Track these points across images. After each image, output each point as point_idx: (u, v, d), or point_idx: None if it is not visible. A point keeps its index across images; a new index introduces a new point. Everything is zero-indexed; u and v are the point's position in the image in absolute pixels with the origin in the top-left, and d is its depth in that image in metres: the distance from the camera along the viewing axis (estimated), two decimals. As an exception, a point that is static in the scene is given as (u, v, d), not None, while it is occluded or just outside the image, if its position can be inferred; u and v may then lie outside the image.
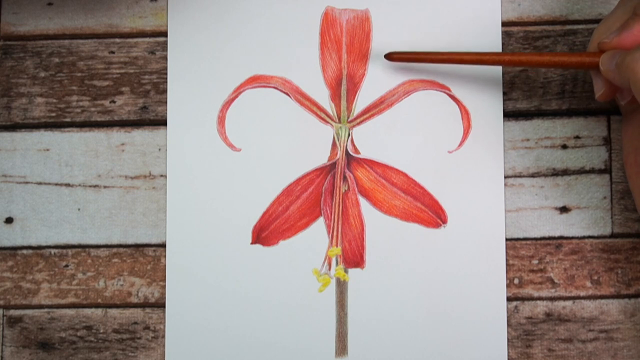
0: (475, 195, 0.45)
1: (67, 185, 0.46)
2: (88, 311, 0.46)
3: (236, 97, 0.46)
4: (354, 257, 0.45)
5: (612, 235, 0.45)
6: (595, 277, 0.45)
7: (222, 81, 0.46)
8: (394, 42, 0.46)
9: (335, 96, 0.46)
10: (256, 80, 0.46)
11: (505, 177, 0.45)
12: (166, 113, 0.46)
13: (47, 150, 0.46)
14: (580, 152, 0.45)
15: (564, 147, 0.45)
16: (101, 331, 0.45)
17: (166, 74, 0.46)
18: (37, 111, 0.47)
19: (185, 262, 0.45)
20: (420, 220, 0.45)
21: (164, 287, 0.45)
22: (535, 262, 0.45)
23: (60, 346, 0.45)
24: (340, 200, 0.45)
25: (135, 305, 0.45)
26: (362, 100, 0.46)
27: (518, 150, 0.45)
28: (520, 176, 0.45)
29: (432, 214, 0.45)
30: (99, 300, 0.46)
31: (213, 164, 0.46)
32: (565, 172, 0.45)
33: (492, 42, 0.46)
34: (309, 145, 0.46)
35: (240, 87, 0.46)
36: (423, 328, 0.45)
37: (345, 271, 0.45)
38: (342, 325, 0.45)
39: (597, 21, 0.46)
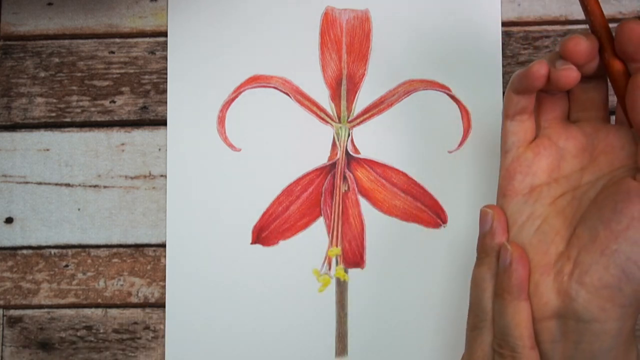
0: (475, 195, 0.45)
1: (67, 185, 0.46)
2: (88, 311, 0.46)
3: (236, 97, 0.46)
4: (354, 257, 0.45)
5: (612, 235, 0.45)
6: (595, 277, 0.44)
7: (222, 81, 0.46)
8: (394, 42, 0.46)
9: (335, 96, 0.46)
10: (256, 80, 0.46)
11: (505, 177, 0.45)
12: (166, 113, 0.46)
13: (47, 150, 0.46)
14: (580, 152, 0.45)
15: (564, 147, 0.45)
16: (101, 331, 0.45)
17: (166, 74, 0.46)
18: (37, 111, 0.47)
19: (185, 262, 0.45)
20: (420, 220, 0.45)
21: (164, 287, 0.45)
22: (535, 262, 0.45)
23: (60, 346, 0.45)
24: (340, 200, 0.45)
25: (135, 305, 0.45)
26: (362, 100, 0.46)
27: (518, 150, 0.45)
28: (520, 176, 0.45)
29: (432, 214, 0.45)
30: (99, 300, 0.46)
31: (213, 164, 0.46)
32: (565, 172, 0.45)
33: (492, 42, 0.46)
34: (309, 145, 0.46)
35: (240, 87, 0.46)
36: (423, 328, 0.45)
37: (345, 271, 0.45)
38: (342, 325, 0.45)
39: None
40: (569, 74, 0.34)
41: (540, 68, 0.34)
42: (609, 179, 0.34)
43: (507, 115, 0.37)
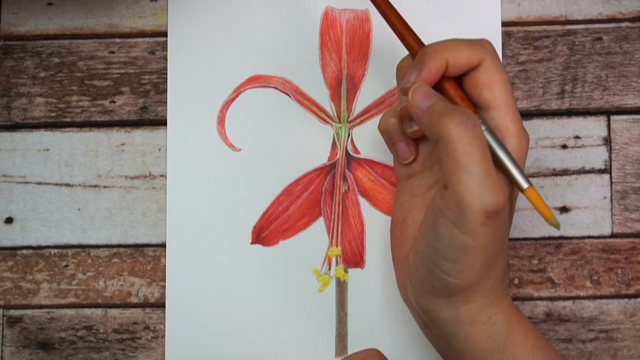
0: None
1: (67, 185, 0.46)
2: (88, 311, 0.46)
3: (236, 97, 0.46)
4: (354, 257, 0.45)
5: (612, 235, 0.45)
6: (595, 277, 0.45)
7: (222, 81, 0.46)
8: (394, 42, 0.46)
9: (335, 96, 0.46)
10: (256, 80, 0.46)
11: (505, 177, 0.45)
12: (166, 113, 0.46)
13: (47, 150, 0.46)
14: (580, 152, 0.45)
15: (564, 147, 0.45)
16: (101, 331, 0.45)
17: (166, 74, 0.46)
18: (37, 111, 0.47)
19: (185, 262, 0.45)
20: (420, 220, 0.45)
21: (164, 287, 0.45)
22: (535, 262, 0.45)
23: (60, 346, 0.45)
24: (340, 200, 0.45)
25: (135, 305, 0.45)
26: (362, 100, 0.46)
27: (518, 150, 0.45)
28: (520, 176, 0.45)
29: (432, 214, 0.45)
30: (99, 300, 0.46)
31: (213, 164, 0.46)
32: (565, 172, 0.45)
33: (492, 42, 0.45)
34: (309, 145, 0.46)
35: (240, 87, 0.46)
36: (423, 328, 0.44)
37: (345, 271, 0.45)
38: (342, 325, 0.45)
39: (597, 21, 0.46)
40: (417, 134, 0.37)
41: (402, 153, 0.38)
42: None
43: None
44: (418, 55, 0.35)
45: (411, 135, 0.37)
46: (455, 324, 0.35)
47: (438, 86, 0.36)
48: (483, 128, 0.34)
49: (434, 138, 0.33)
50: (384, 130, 0.38)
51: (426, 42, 0.47)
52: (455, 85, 0.36)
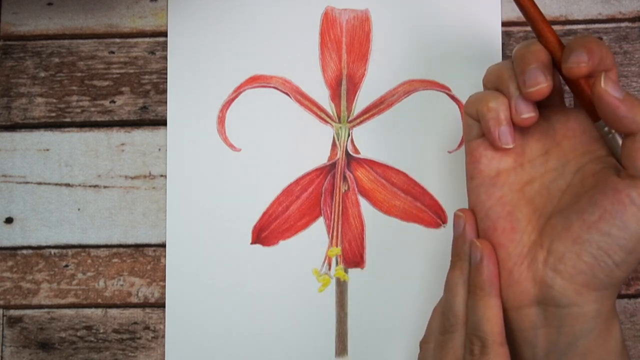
0: (475, 195, 0.45)
1: (67, 185, 0.46)
2: (88, 311, 0.46)
3: (236, 97, 0.46)
4: (354, 257, 0.45)
5: (612, 235, 0.45)
6: (595, 277, 0.45)
7: (222, 81, 0.46)
8: (394, 42, 0.46)
9: (335, 96, 0.46)
10: (256, 80, 0.46)
11: (505, 177, 0.45)
12: (166, 113, 0.46)
13: (47, 150, 0.46)
14: (580, 152, 0.45)
15: (564, 147, 0.45)
16: (101, 331, 0.45)
17: (166, 74, 0.46)
18: (37, 111, 0.47)
19: (185, 262, 0.45)
20: (420, 220, 0.45)
21: (164, 287, 0.45)
22: (535, 262, 0.45)
23: (60, 346, 0.45)
24: (340, 200, 0.45)
25: (135, 305, 0.45)
26: (362, 100, 0.46)
27: (518, 150, 0.45)
28: (520, 176, 0.45)
29: (432, 214, 0.45)
30: (99, 300, 0.46)
31: (213, 164, 0.46)
32: (565, 172, 0.45)
33: (492, 42, 0.45)
34: (309, 145, 0.46)
35: (240, 87, 0.46)
36: (423, 328, 0.44)
37: (345, 271, 0.45)
38: (342, 325, 0.45)
39: (597, 21, 0.46)
40: (531, 121, 0.36)
41: (504, 137, 0.36)
42: (578, 167, 0.36)
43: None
44: (583, 40, 0.35)
45: (521, 122, 0.36)
46: (595, 320, 0.34)
47: (572, 81, 0.36)
48: (606, 129, 0.35)
49: (633, 128, 0.33)
50: (493, 110, 0.37)
51: (426, 42, 0.47)
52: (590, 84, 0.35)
